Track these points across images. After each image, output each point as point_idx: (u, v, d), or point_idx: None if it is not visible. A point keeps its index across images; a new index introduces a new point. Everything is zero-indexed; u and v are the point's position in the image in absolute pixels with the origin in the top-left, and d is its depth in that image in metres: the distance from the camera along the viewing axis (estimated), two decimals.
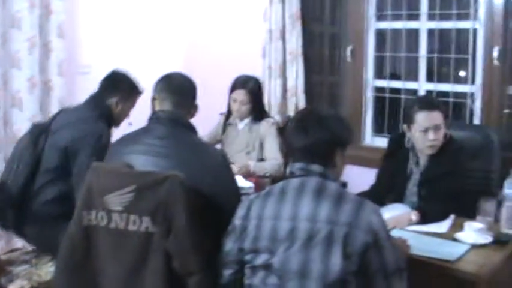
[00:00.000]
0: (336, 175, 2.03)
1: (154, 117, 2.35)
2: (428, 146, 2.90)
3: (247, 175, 3.44)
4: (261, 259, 1.93)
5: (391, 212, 2.81)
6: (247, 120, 3.80)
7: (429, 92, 3.96)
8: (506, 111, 3.64)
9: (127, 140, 2.38)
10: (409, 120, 2.94)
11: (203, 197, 2.15)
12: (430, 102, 3.00)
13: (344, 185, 3.54)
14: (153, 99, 2.42)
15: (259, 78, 4.13)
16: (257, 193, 2.08)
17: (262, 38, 4.36)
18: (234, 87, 3.74)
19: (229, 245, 2.01)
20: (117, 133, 2.64)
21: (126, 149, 2.31)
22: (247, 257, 1.97)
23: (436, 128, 2.88)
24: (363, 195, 2.75)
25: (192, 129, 2.37)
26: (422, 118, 2.88)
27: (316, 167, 1.96)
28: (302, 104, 4.26)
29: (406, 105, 3.08)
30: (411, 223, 2.70)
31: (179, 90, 2.40)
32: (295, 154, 2.02)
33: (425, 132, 2.88)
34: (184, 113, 2.38)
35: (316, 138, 1.96)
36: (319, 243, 1.84)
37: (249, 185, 3.13)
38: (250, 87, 3.70)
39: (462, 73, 3.81)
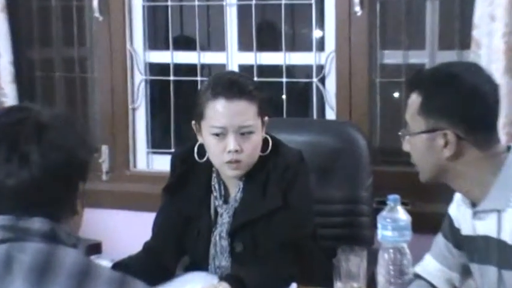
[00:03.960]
0: (75, 229, 1.69)
1: None
2: (228, 162, 2.30)
3: None
4: None
5: None
6: None
7: (244, 68, 3.33)
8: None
9: None
10: (199, 115, 2.35)
11: None
12: (232, 83, 2.34)
13: (96, 247, 3.23)
14: None
15: None
16: None
17: None
18: None
19: None
20: None
21: None
22: None
23: (241, 130, 2.28)
24: (132, 264, 2.36)
25: None
26: (217, 112, 2.29)
27: (37, 223, 1.54)
28: None
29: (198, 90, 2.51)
30: None
31: None
32: None
33: (219, 136, 2.29)
34: None
35: (36, 166, 1.53)
36: None
37: None
38: None
39: (317, 33, 3.26)
